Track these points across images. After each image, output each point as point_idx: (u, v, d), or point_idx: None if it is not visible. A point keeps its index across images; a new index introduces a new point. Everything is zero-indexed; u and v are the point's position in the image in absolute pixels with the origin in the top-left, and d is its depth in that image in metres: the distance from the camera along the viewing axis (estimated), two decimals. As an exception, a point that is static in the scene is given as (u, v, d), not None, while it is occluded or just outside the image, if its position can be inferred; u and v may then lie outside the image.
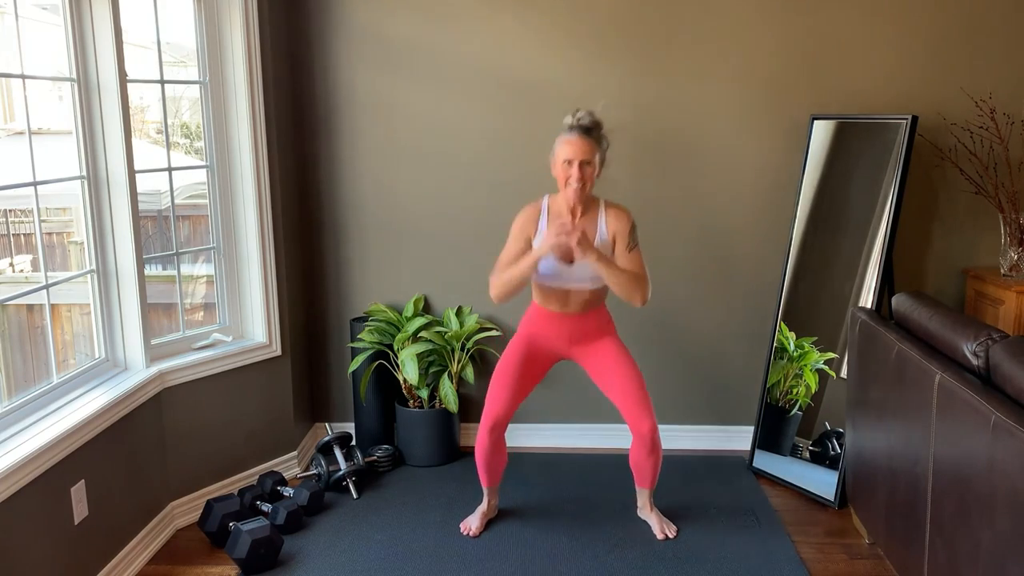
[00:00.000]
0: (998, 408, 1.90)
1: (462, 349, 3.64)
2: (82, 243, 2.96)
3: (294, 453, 3.62)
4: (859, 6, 3.48)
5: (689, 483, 3.48)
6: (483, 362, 3.84)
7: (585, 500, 3.34)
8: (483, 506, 3.15)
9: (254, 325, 3.43)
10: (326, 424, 3.86)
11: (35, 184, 2.61)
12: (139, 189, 2.96)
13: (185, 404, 3.15)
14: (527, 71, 3.61)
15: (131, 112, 2.91)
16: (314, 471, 3.49)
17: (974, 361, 2.18)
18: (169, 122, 3.26)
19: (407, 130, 3.69)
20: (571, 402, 3.85)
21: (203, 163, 3.31)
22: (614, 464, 3.62)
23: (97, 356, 2.98)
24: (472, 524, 3.09)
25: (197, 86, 3.26)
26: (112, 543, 2.77)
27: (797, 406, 3.46)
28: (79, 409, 2.62)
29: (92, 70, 2.82)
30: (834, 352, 3.35)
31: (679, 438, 3.83)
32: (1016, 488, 1.79)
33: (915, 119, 3.20)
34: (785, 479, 3.46)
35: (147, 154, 3.43)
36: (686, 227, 3.68)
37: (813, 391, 3.41)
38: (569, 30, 3.56)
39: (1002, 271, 3.41)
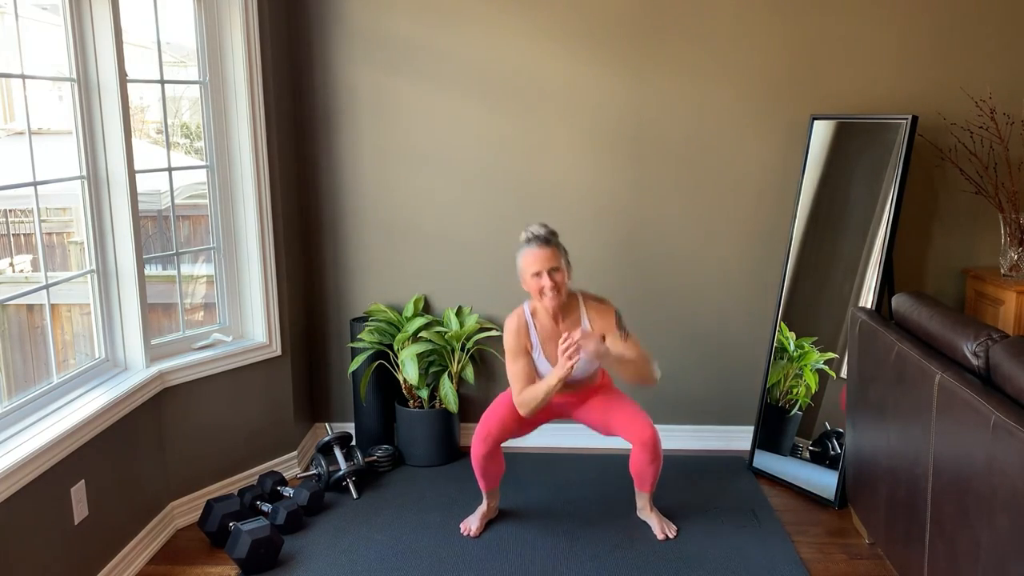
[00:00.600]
0: (998, 408, 1.90)
1: (462, 349, 3.64)
2: (82, 243, 2.96)
3: (294, 453, 3.62)
4: (859, 6, 3.48)
5: (689, 483, 3.48)
6: (483, 362, 3.84)
7: (585, 500, 3.34)
8: (483, 507, 3.15)
9: (254, 325, 3.43)
10: (326, 424, 3.86)
11: (35, 184, 2.61)
12: (139, 189, 2.96)
13: (185, 404, 3.15)
14: (527, 71, 3.61)
15: (131, 112, 2.91)
16: (314, 471, 3.49)
17: (974, 361, 2.18)
18: (169, 122, 3.26)
19: (407, 130, 3.69)
20: (571, 402, 3.85)
21: (203, 163, 3.31)
22: (614, 464, 3.62)
23: (97, 356, 2.99)
24: (472, 524, 3.09)
25: (197, 86, 3.26)
26: (112, 543, 2.77)
27: (797, 406, 3.46)
28: (79, 409, 2.62)
29: (92, 70, 2.82)
30: (834, 352, 3.35)
31: (679, 438, 3.84)
32: (1016, 488, 1.79)
33: (915, 119, 3.20)
34: (785, 479, 3.46)
35: (147, 154, 3.43)
36: (686, 227, 3.68)
37: (813, 391, 3.41)
38: (569, 30, 3.56)
39: (1002, 271, 3.41)
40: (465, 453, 3.82)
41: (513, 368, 2.92)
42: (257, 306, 3.41)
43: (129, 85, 2.89)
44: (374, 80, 3.65)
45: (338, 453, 3.46)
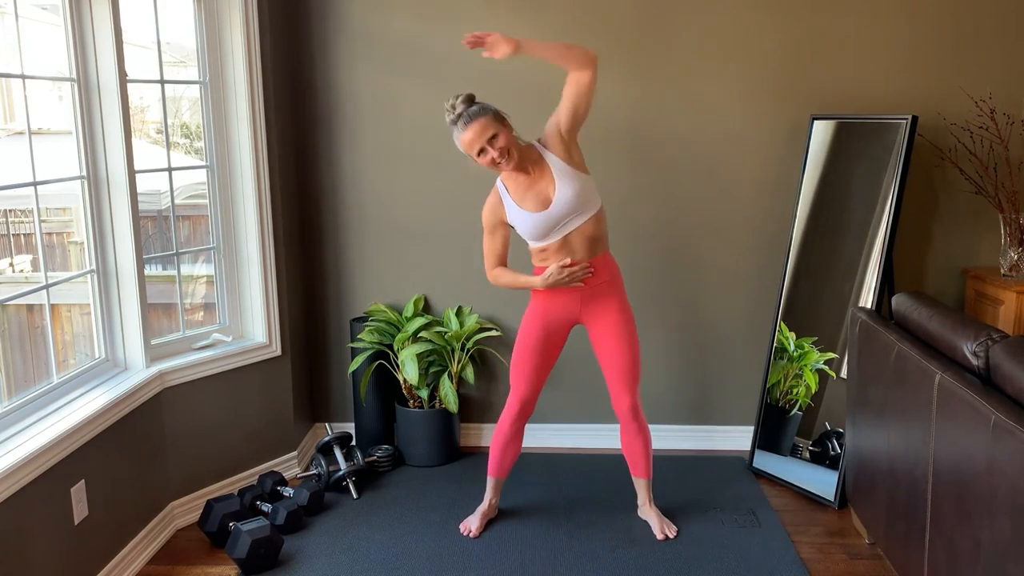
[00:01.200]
0: (998, 408, 1.90)
1: (462, 349, 3.64)
2: (82, 243, 2.96)
3: (294, 453, 3.62)
4: (859, 6, 3.48)
5: (689, 483, 3.48)
6: (483, 362, 3.84)
7: (585, 500, 3.34)
8: (483, 506, 3.15)
9: (254, 325, 3.43)
10: (326, 424, 3.86)
11: (35, 184, 2.61)
12: (139, 189, 2.96)
13: (185, 404, 3.15)
14: (526, 71, 3.61)
15: (131, 112, 2.91)
16: (314, 471, 3.49)
17: (974, 361, 2.18)
18: (169, 122, 3.26)
19: (407, 130, 3.69)
20: (571, 402, 3.85)
21: (203, 163, 3.31)
22: (614, 464, 3.62)
23: (97, 356, 2.99)
24: (472, 524, 3.09)
25: (197, 86, 3.26)
26: (112, 543, 2.77)
27: (797, 406, 3.46)
28: (79, 409, 2.62)
29: (92, 70, 2.82)
30: (834, 352, 3.35)
31: (679, 438, 3.84)
32: (1016, 488, 1.79)
33: (915, 119, 3.20)
34: (785, 479, 3.46)
35: (147, 154, 3.43)
36: (686, 227, 3.68)
37: (813, 391, 3.41)
38: (568, 30, 3.56)
39: (1002, 271, 3.41)
40: (465, 453, 3.82)
41: (487, 243, 2.94)
42: (257, 306, 3.41)
43: (129, 85, 2.89)
44: (374, 80, 3.65)
45: (338, 453, 3.46)
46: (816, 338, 3.42)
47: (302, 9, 3.61)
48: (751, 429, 3.73)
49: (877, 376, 2.67)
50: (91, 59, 2.81)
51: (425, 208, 3.74)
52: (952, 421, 2.11)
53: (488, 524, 3.14)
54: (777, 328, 3.55)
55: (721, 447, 3.84)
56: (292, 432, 3.60)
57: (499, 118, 2.74)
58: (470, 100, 2.74)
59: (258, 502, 3.21)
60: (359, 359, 3.60)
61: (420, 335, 3.58)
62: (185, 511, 3.20)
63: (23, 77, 2.57)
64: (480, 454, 3.79)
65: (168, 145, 3.19)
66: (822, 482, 3.32)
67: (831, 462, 3.32)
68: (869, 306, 3.23)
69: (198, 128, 3.38)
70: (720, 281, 3.72)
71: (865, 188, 3.34)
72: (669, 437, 3.81)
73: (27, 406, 2.55)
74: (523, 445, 3.81)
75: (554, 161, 2.79)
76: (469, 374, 3.65)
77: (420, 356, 3.58)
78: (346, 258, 3.81)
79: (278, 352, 3.46)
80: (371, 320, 3.69)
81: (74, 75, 2.79)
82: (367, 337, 3.60)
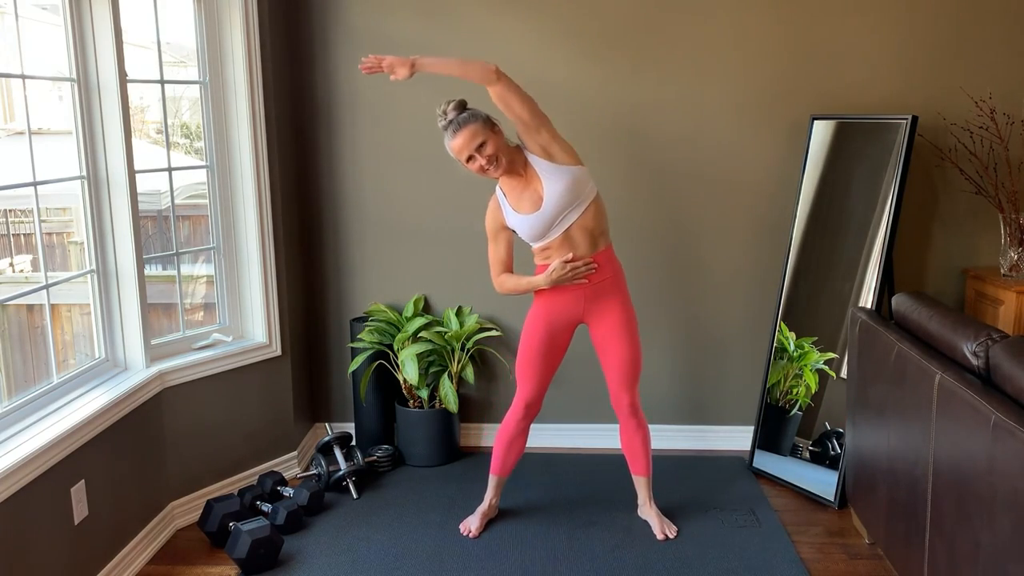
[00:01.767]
0: (998, 408, 1.90)
1: (462, 349, 3.64)
2: (82, 243, 2.96)
3: (294, 453, 3.62)
4: (859, 7, 3.48)
5: (689, 483, 3.48)
6: (483, 362, 3.84)
7: (585, 500, 3.34)
8: (483, 506, 3.15)
9: (254, 325, 3.43)
10: (326, 424, 3.86)
11: (35, 184, 2.61)
12: (139, 189, 2.96)
13: (185, 404, 3.15)
14: (526, 71, 3.60)
15: (131, 112, 2.91)
16: (314, 471, 3.49)
17: (974, 361, 2.18)
18: (169, 122, 3.26)
19: (407, 130, 3.69)
20: (571, 402, 3.85)
21: (203, 163, 3.31)
22: (614, 464, 3.62)
23: (97, 356, 2.98)
24: (472, 524, 3.09)
25: (197, 86, 3.26)
26: (112, 543, 2.77)
27: (797, 406, 3.46)
28: (79, 409, 2.62)
29: (92, 70, 2.82)
30: (834, 352, 3.35)
31: (680, 438, 3.84)
32: (1016, 488, 1.79)
33: (915, 119, 3.20)
34: (785, 479, 3.46)
35: (147, 154, 3.43)
36: (686, 226, 3.68)
37: (813, 391, 3.41)
38: (569, 31, 3.56)
39: (1002, 271, 3.41)
40: (465, 453, 3.82)
41: (492, 251, 2.96)
42: (257, 306, 3.40)
43: (129, 85, 2.89)
44: (374, 80, 3.65)
45: (338, 453, 3.46)
46: (816, 338, 3.42)
47: (302, 9, 3.61)
48: (751, 429, 3.73)
49: (877, 376, 2.67)
50: (91, 59, 2.81)
51: (425, 208, 3.74)
52: (952, 421, 2.11)
53: (488, 524, 3.14)
54: (777, 328, 3.55)
55: (721, 447, 3.84)
56: (292, 432, 3.60)
57: (489, 124, 2.75)
58: (461, 106, 2.76)
59: (258, 502, 3.21)
60: (359, 359, 3.60)
61: (420, 335, 3.58)
62: (185, 511, 3.20)
63: (23, 77, 2.57)
64: (480, 454, 3.79)
65: (168, 145, 3.19)
66: (822, 482, 3.32)
67: (831, 462, 3.32)
68: (869, 306, 3.23)
69: (198, 128, 3.38)
70: (720, 281, 3.72)
71: (865, 188, 3.34)
72: (669, 437, 3.81)
73: (27, 406, 2.55)
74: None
75: (536, 161, 2.80)
76: (469, 374, 3.65)
77: (420, 356, 3.58)
78: (346, 258, 3.81)
79: (278, 352, 3.46)
80: (371, 320, 3.69)
81: (74, 75, 2.79)
82: (367, 337, 3.60)
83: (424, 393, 3.64)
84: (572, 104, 3.61)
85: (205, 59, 3.21)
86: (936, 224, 3.63)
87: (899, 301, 2.73)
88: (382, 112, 3.68)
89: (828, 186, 3.46)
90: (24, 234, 3.58)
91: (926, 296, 2.68)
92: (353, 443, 3.64)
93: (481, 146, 2.72)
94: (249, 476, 3.43)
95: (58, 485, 2.47)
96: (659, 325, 3.76)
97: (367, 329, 3.62)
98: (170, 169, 3.19)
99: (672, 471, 3.57)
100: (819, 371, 3.39)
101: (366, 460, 3.52)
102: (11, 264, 3.55)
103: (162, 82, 3.15)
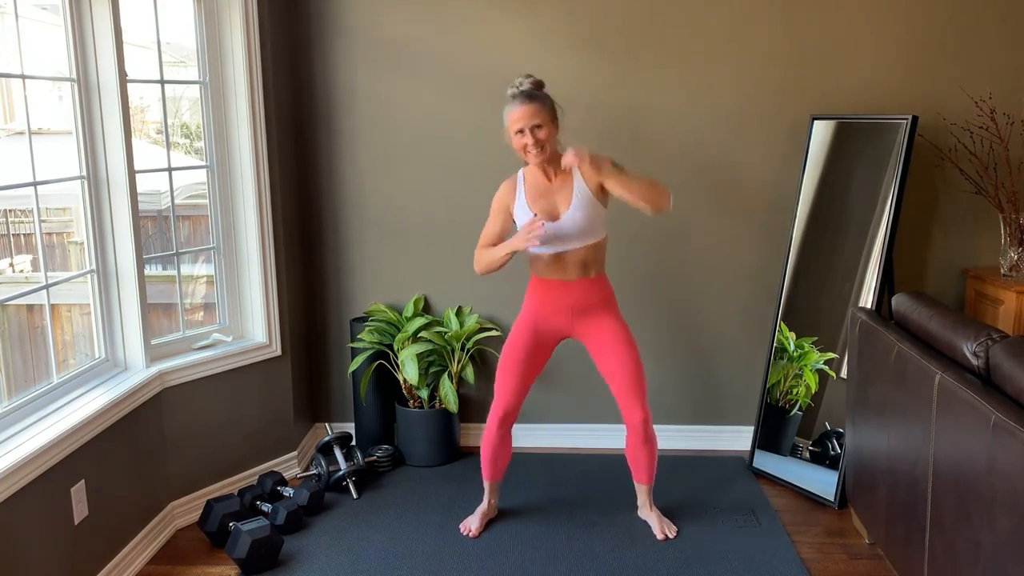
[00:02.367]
0: (998, 408, 1.90)
1: (462, 349, 3.64)
2: (82, 243, 2.96)
3: (294, 453, 3.62)
4: (859, 6, 3.48)
5: (689, 483, 3.48)
6: (483, 362, 3.84)
7: (585, 500, 3.34)
8: (483, 506, 3.15)
9: (254, 325, 3.43)
10: (326, 424, 3.86)
11: (35, 184, 2.61)
12: (139, 189, 2.96)
13: (185, 404, 3.15)
14: (526, 71, 3.60)
15: (131, 112, 2.91)
16: (314, 471, 3.49)
17: (974, 361, 2.18)
18: (169, 122, 3.26)
19: (407, 130, 3.69)
20: (571, 402, 3.85)
21: (203, 163, 3.31)
22: (614, 464, 3.62)
23: (97, 356, 2.98)
24: (472, 524, 3.09)
25: (197, 86, 3.26)
26: (112, 543, 2.77)
27: (797, 406, 3.46)
28: (79, 409, 2.62)
29: (92, 70, 2.82)
30: (834, 352, 3.35)
31: (679, 438, 3.84)
32: (1016, 488, 1.79)
33: (915, 119, 3.20)
34: (785, 479, 3.46)
35: (147, 154, 3.43)
36: (686, 227, 3.68)
37: (813, 391, 3.41)
38: (569, 30, 3.56)
39: (1002, 271, 3.41)
40: (465, 453, 3.82)
41: (488, 225, 2.95)
42: (257, 306, 3.41)
43: (129, 85, 2.89)
44: (374, 80, 3.65)
45: (338, 453, 3.46)
46: (816, 338, 3.42)
47: (302, 9, 3.61)
48: (751, 429, 3.73)
49: (877, 376, 2.67)
50: (91, 59, 2.81)
51: (425, 208, 3.74)
52: (952, 421, 2.11)
53: (488, 524, 3.15)
54: (777, 328, 3.55)
55: (721, 447, 3.84)
56: (292, 432, 3.60)
57: (553, 114, 2.80)
58: (539, 85, 2.82)
59: (258, 502, 3.21)
60: (359, 359, 3.60)
61: (420, 335, 3.58)
62: (185, 511, 3.20)
63: (23, 77, 2.57)
64: (480, 454, 3.79)
65: (168, 145, 3.19)
66: (822, 482, 3.32)
67: (831, 462, 3.32)
68: (869, 306, 3.23)
69: (198, 128, 3.38)
70: (720, 281, 3.72)
71: (865, 188, 3.34)
72: (669, 437, 3.81)
73: (27, 406, 2.55)
74: (523, 445, 3.82)
75: (580, 185, 2.82)
76: (469, 374, 3.65)
77: (420, 356, 3.58)
78: (346, 258, 3.81)
79: (278, 352, 3.46)
80: (371, 320, 3.69)
81: (74, 75, 2.79)
82: (367, 337, 3.60)
83: (424, 393, 3.64)
84: (572, 104, 3.60)
85: (205, 59, 3.21)
86: (936, 224, 3.63)
87: (899, 301, 2.73)
88: (382, 112, 3.68)
89: (828, 186, 3.46)
90: (24, 234, 3.58)
91: (926, 296, 2.68)
92: (353, 443, 3.64)
93: (537, 127, 2.75)
94: (249, 476, 3.43)
95: (58, 485, 2.47)
96: (659, 325, 3.76)
97: (367, 329, 3.62)
98: (170, 169, 3.19)
99: (672, 471, 3.57)
100: (819, 371, 3.39)
101: (366, 460, 3.52)
102: (11, 264, 3.55)
103: (162, 82, 3.15)
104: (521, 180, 2.90)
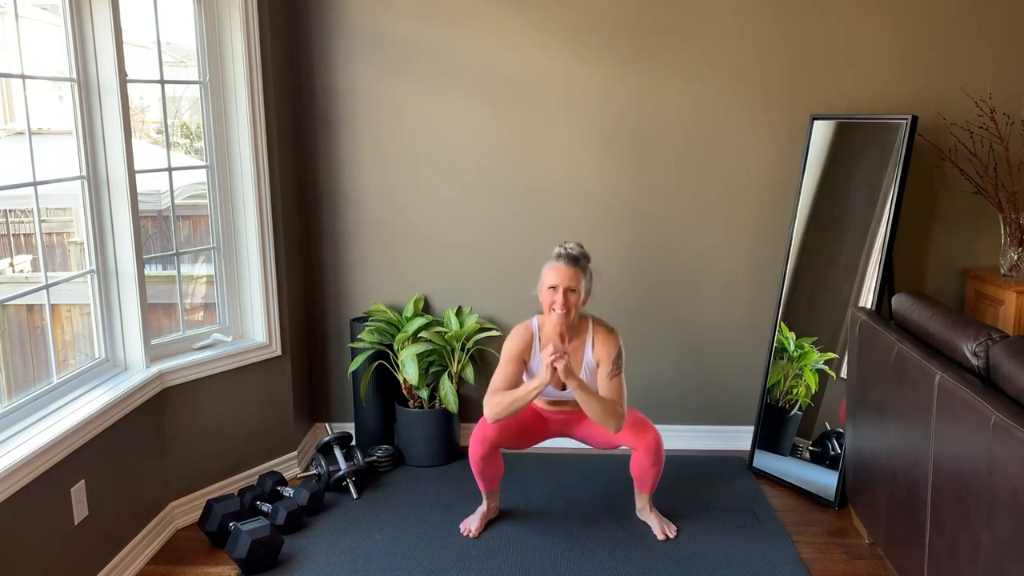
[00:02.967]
0: (998, 408, 1.90)
1: (462, 349, 3.64)
2: (82, 243, 2.96)
3: (294, 453, 3.62)
4: (859, 7, 3.48)
5: (689, 483, 3.48)
6: (483, 362, 3.84)
7: (585, 500, 3.34)
8: (483, 507, 3.15)
9: (254, 325, 3.43)
10: (326, 424, 3.86)
11: (35, 184, 2.61)
12: (139, 189, 2.95)
13: (185, 404, 3.15)
14: (527, 71, 3.61)
15: (131, 112, 2.91)
16: (314, 471, 3.49)
17: (974, 361, 2.18)
18: (169, 122, 3.26)
19: (407, 130, 3.69)
20: (571, 402, 3.85)
21: (203, 163, 3.31)
22: (614, 464, 3.62)
23: (97, 356, 2.98)
24: (472, 525, 3.09)
25: (197, 86, 3.26)
26: (112, 543, 2.77)
27: (797, 406, 3.46)
28: (79, 409, 2.62)
29: (92, 70, 2.82)
30: (834, 352, 3.35)
31: (679, 438, 3.83)
32: (1016, 488, 1.79)
33: (915, 119, 3.20)
34: (785, 479, 3.46)
35: (147, 154, 3.43)
36: (686, 227, 3.68)
37: (813, 391, 3.41)
38: (569, 31, 3.56)
39: (1002, 271, 3.41)
40: (465, 453, 3.81)
41: (500, 370, 2.93)
42: (257, 306, 3.40)
43: (129, 85, 2.89)
44: (374, 80, 3.65)
45: (338, 453, 3.46)
46: (816, 338, 3.42)
47: (302, 9, 3.61)
48: (751, 429, 3.73)
49: (877, 376, 2.67)
50: (91, 59, 2.81)
51: (425, 208, 3.74)
52: (952, 421, 2.11)
53: (488, 524, 3.14)
54: (777, 328, 3.55)
55: (721, 447, 3.84)
56: (292, 432, 3.60)
57: (588, 284, 2.89)
58: (585, 255, 2.90)
59: (258, 502, 3.21)
60: (359, 359, 3.60)
61: (420, 335, 3.58)
62: (185, 511, 3.20)
63: (23, 77, 2.57)
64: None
65: (168, 145, 3.19)
66: (822, 482, 3.32)
67: (831, 462, 3.32)
68: (869, 306, 3.23)
69: (198, 128, 3.38)
70: (720, 281, 3.72)
71: (865, 188, 3.34)
72: (670, 437, 3.81)
73: (27, 406, 2.55)
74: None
75: (589, 359, 2.93)
76: (469, 374, 3.65)
77: (420, 356, 3.58)
78: (346, 258, 3.81)
79: (278, 352, 3.46)
80: (371, 320, 3.69)
81: (74, 75, 2.79)
82: (367, 337, 3.60)
83: (424, 393, 3.64)
84: (572, 104, 3.61)
85: (205, 59, 3.21)
86: (936, 224, 3.63)
87: (899, 301, 2.73)
88: (382, 112, 3.68)
89: (828, 186, 3.46)
90: (24, 234, 3.58)
91: (926, 296, 2.68)
92: (353, 443, 3.64)
93: (571, 291, 2.84)
94: (249, 476, 3.43)
95: (58, 485, 2.47)
96: (659, 325, 3.76)
97: (367, 329, 3.62)
98: (170, 169, 3.19)
99: (672, 471, 3.57)
100: (819, 371, 3.39)
101: (366, 460, 3.52)
102: (11, 264, 3.55)
103: (162, 82, 3.15)
104: (536, 331, 2.96)
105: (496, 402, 2.85)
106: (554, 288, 2.83)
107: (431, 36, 3.60)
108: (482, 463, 3.00)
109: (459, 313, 3.75)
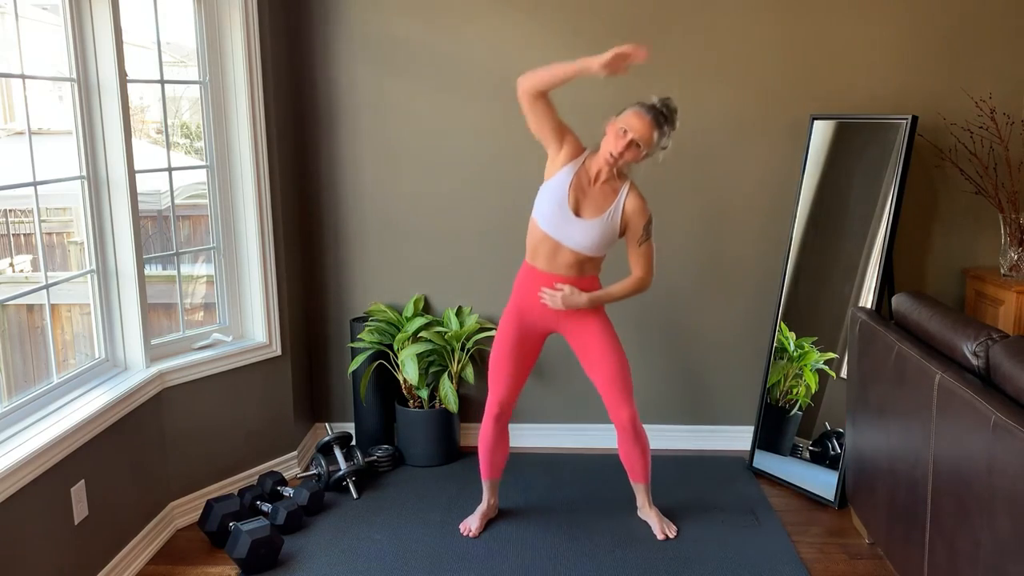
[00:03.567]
0: (998, 408, 1.90)
1: (462, 349, 3.64)
2: (82, 243, 2.96)
3: (294, 453, 3.62)
4: (859, 7, 3.48)
5: (689, 483, 3.48)
6: (483, 362, 3.84)
7: (585, 500, 3.34)
8: (483, 506, 3.15)
9: (254, 325, 3.43)
10: (326, 424, 3.86)
11: (35, 184, 2.61)
12: (139, 189, 2.95)
13: (185, 404, 3.15)
14: (526, 71, 3.60)
15: (131, 112, 2.91)
16: (314, 471, 3.49)
17: (974, 361, 2.18)
18: (169, 122, 3.26)
19: (407, 130, 3.69)
20: (571, 402, 3.85)
21: (203, 163, 3.31)
22: (614, 464, 3.61)
23: (97, 356, 2.98)
24: (472, 524, 3.09)
25: (197, 86, 3.26)
26: (112, 543, 2.77)
27: (797, 406, 3.46)
28: (79, 409, 2.62)
29: (92, 70, 2.82)
30: (834, 352, 3.35)
31: (679, 438, 3.84)
32: (1016, 488, 1.79)
33: (915, 119, 3.20)
34: (785, 479, 3.46)
35: (147, 154, 3.43)
36: (686, 227, 3.68)
37: (813, 391, 3.41)
38: (569, 30, 3.56)
39: (1002, 271, 3.41)
40: (465, 453, 3.81)
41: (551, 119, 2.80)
42: (257, 306, 3.40)
43: (129, 85, 2.89)
44: (374, 80, 3.65)
45: (338, 453, 3.46)
46: (816, 338, 3.42)
47: (302, 9, 3.61)
48: (751, 429, 3.73)
49: (877, 376, 2.67)
50: (91, 59, 2.81)
51: (425, 208, 3.74)
52: (952, 421, 2.11)
53: (488, 524, 3.14)
54: (777, 328, 3.55)
55: (721, 447, 3.84)
56: (292, 432, 3.60)
57: (657, 148, 2.77)
58: (673, 112, 2.76)
59: (258, 502, 3.21)
60: (359, 359, 3.60)
61: (420, 335, 3.58)
62: (185, 511, 3.20)
63: (23, 77, 2.57)
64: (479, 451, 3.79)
65: (168, 145, 3.19)
66: (822, 482, 3.32)
67: (831, 462, 3.32)
68: (869, 306, 3.23)
69: (198, 128, 3.38)
70: (720, 281, 3.72)
71: (865, 188, 3.34)
72: (669, 437, 3.81)
73: (27, 406, 2.55)
74: (523, 445, 3.82)
75: (615, 212, 2.81)
76: (469, 374, 3.65)
77: (420, 356, 3.58)
78: (346, 258, 3.81)
79: (278, 352, 3.46)
80: (371, 320, 3.69)
81: (74, 75, 2.79)
82: (367, 337, 3.60)
83: (424, 393, 3.64)
84: (571, 104, 3.61)
85: (205, 59, 3.21)
86: (936, 224, 3.63)
87: (899, 301, 2.73)
88: (382, 112, 3.68)
89: (828, 186, 3.46)
90: (24, 234, 3.58)
91: (926, 296, 2.68)
92: (353, 443, 3.64)
93: (637, 145, 2.71)
94: (249, 476, 3.43)
95: (58, 485, 2.47)
96: (659, 325, 3.76)
97: (367, 329, 3.62)
98: (170, 169, 3.19)
99: (672, 471, 3.57)
100: (819, 371, 3.39)
101: (366, 460, 3.52)
102: (11, 264, 3.55)
103: (162, 82, 3.15)
104: (581, 161, 2.82)
105: (532, 73, 2.72)
106: (625, 132, 2.69)
107: (430, 35, 3.60)
108: (492, 442, 3.02)
109: (459, 313, 3.75)
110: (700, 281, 3.73)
